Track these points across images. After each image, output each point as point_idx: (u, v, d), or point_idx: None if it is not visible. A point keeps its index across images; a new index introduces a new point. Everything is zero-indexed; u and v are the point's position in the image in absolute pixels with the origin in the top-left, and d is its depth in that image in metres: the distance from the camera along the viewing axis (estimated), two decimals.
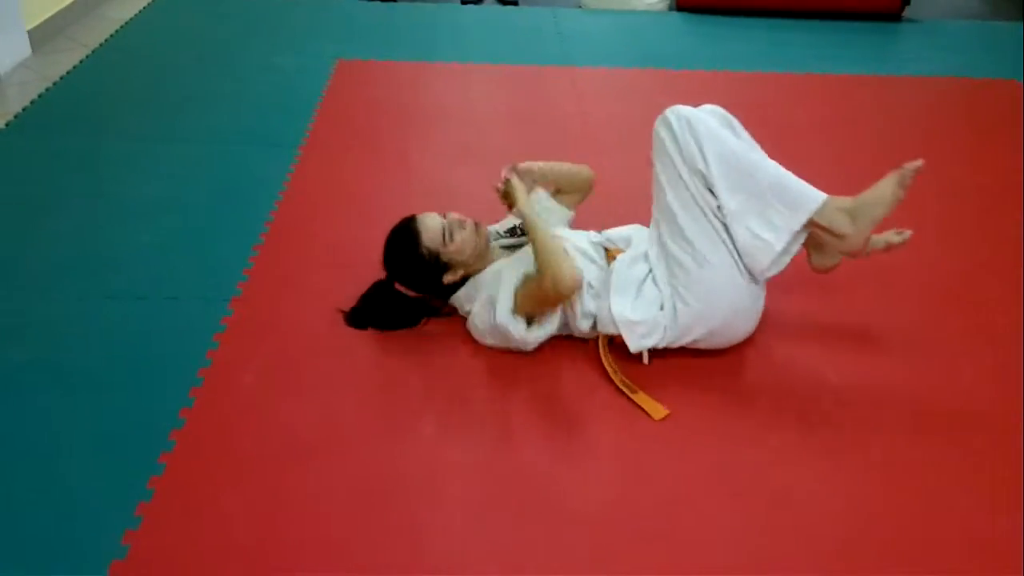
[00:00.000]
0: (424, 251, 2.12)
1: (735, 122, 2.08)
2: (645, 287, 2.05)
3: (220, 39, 4.25)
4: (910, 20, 4.87)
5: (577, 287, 1.97)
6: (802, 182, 1.96)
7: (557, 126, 3.41)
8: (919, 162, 1.95)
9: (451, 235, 2.12)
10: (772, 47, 4.37)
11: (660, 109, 2.06)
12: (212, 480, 1.78)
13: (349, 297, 2.25)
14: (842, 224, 1.95)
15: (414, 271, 2.16)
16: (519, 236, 2.25)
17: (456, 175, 3.00)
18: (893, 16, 4.85)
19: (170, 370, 2.06)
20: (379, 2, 4.90)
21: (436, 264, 2.13)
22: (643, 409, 1.96)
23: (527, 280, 2.04)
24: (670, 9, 4.95)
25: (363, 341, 2.17)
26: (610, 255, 2.13)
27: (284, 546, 1.66)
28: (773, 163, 1.99)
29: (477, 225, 2.16)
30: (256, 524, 1.70)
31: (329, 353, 2.13)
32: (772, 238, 1.92)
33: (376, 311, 2.20)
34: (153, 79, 3.76)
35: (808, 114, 3.62)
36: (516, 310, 2.03)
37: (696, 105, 2.07)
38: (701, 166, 1.93)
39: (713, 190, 1.94)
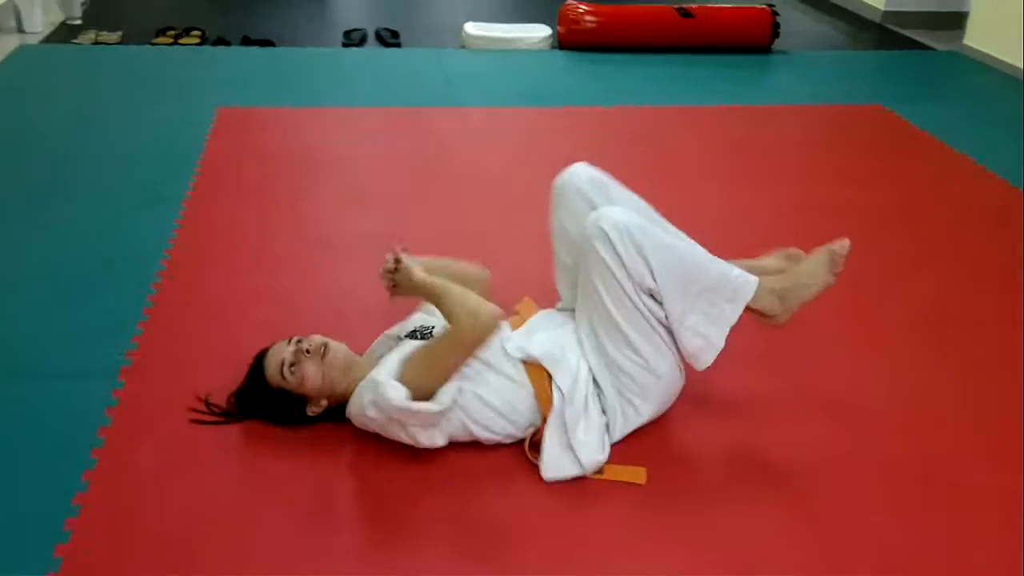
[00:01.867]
0: (271, 390, 1.93)
1: (643, 204, 2.05)
2: (589, 406, 1.91)
3: (93, 92, 4.07)
4: (779, 52, 5.09)
5: (499, 320, 1.91)
6: (733, 269, 1.92)
7: (449, 171, 3.39)
8: (847, 243, 1.98)
9: (290, 370, 1.89)
10: (652, 82, 4.50)
11: (555, 154, 2.08)
12: (114, 570, 1.65)
13: (250, 356, 2.15)
14: (772, 307, 1.94)
15: (270, 412, 1.98)
16: (421, 339, 2.01)
17: (349, 222, 2.93)
18: (763, 49, 5.06)
19: (60, 453, 1.91)
20: (258, 48, 4.81)
21: (292, 400, 1.93)
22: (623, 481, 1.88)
23: (419, 349, 1.89)
24: (552, 47, 5.03)
25: None
26: (531, 368, 1.92)
27: None
28: (704, 253, 1.93)
29: (325, 349, 1.91)
30: None
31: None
32: (714, 333, 1.89)
33: (262, 404, 1.98)
34: (22, 136, 3.56)
35: (693, 144, 3.73)
36: (400, 377, 1.82)
37: (579, 159, 2.09)
38: (650, 283, 1.84)
39: (661, 302, 1.87)
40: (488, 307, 1.88)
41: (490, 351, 1.92)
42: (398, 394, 1.77)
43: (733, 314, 1.90)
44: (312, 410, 1.95)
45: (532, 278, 2.39)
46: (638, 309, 1.86)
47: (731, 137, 3.82)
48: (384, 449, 1.90)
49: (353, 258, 2.68)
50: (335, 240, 2.81)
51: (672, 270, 1.85)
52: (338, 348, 1.95)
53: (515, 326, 2.06)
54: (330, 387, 1.93)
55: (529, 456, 1.91)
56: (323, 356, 1.91)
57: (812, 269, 1.98)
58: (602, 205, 1.97)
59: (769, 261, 2.14)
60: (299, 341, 1.92)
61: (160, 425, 2.01)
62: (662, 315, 1.88)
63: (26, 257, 2.68)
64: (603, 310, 1.89)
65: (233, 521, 1.77)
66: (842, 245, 1.99)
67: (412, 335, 2.03)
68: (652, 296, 1.87)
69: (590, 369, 1.93)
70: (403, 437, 1.84)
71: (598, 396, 1.94)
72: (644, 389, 1.93)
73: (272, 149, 3.48)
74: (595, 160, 2.13)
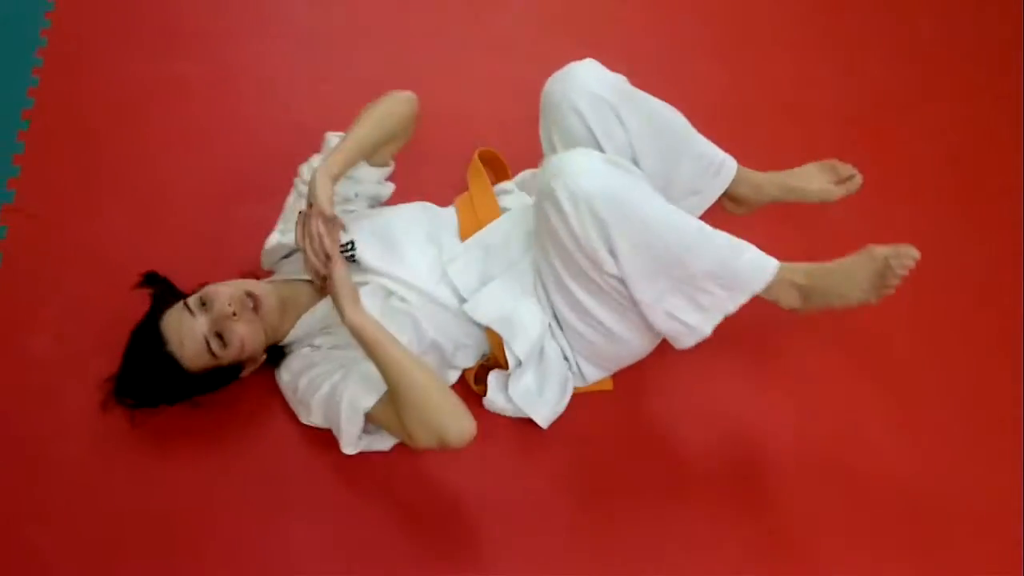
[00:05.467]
0: (194, 376, 1.51)
1: (665, 121, 1.65)
2: (549, 362, 1.63)
3: None
4: None
5: (469, 441, 1.43)
6: (743, 251, 1.48)
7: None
8: (913, 252, 1.45)
9: (219, 343, 1.48)
10: None
11: None
12: None
13: None
14: (791, 301, 1.54)
15: (190, 392, 1.56)
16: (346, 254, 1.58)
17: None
18: None
19: None
20: None
21: (220, 374, 1.54)
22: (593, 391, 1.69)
23: (383, 402, 1.52)
24: None
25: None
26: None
27: None
28: (698, 230, 1.47)
29: (255, 300, 1.51)
30: None
31: None
32: (699, 321, 1.51)
33: (179, 390, 1.56)
34: None
35: None
36: (371, 410, 1.51)
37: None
38: (611, 269, 1.44)
39: (624, 282, 1.47)
40: (456, 424, 1.41)
41: (438, 295, 1.59)
42: (352, 428, 1.53)
43: (730, 303, 1.50)
44: (250, 370, 1.59)
45: (490, 110, 2.02)
46: (598, 285, 1.49)
47: None
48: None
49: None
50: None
51: (645, 254, 1.42)
52: (265, 290, 1.54)
53: (464, 224, 1.67)
54: (272, 337, 1.58)
55: (473, 387, 1.68)
56: (255, 310, 1.52)
57: (853, 274, 1.50)
58: (594, 128, 1.61)
59: (806, 171, 1.74)
60: (206, 305, 1.48)
61: None
62: (625, 292, 1.49)
63: None
64: (555, 274, 1.54)
65: None
66: (905, 253, 1.46)
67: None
68: (613, 277, 1.47)
69: (551, 324, 1.62)
70: (304, 419, 1.60)
71: (558, 345, 1.64)
72: (601, 354, 1.64)
73: None
74: None
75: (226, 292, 1.50)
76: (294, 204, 1.70)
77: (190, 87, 2.13)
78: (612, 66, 1.70)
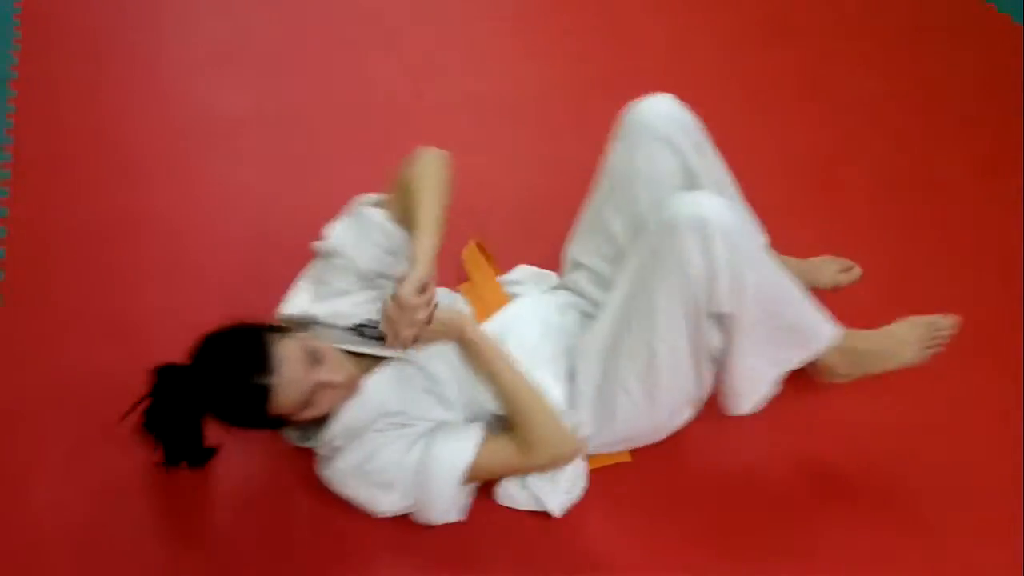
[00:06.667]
0: (269, 415, 1.39)
1: (728, 179, 1.67)
2: None
3: None
4: None
5: (580, 451, 1.51)
6: (815, 307, 1.55)
7: (334, 7, 2.82)
8: (954, 320, 1.59)
9: (312, 402, 1.40)
10: None
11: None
12: None
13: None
14: (836, 366, 1.61)
15: (244, 423, 1.45)
16: (371, 336, 1.49)
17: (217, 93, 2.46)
18: None
19: None
20: None
21: (278, 422, 1.44)
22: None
23: (497, 440, 1.49)
24: None
25: None
26: None
27: None
28: (791, 285, 1.52)
29: (350, 384, 1.45)
30: None
31: None
32: (768, 379, 1.57)
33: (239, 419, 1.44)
34: None
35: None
36: (474, 459, 1.46)
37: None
38: (728, 308, 1.43)
39: (727, 330, 1.48)
40: (564, 435, 1.48)
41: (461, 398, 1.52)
42: (457, 500, 1.49)
43: (796, 360, 1.56)
44: (289, 429, 1.52)
45: (476, 183, 1.81)
46: (687, 333, 1.45)
47: None
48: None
49: (237, 150, 2.30)
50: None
51: (765, 297, 1.44)
52: (358, 376, 1.48)
53: (478, 315, 1.59)
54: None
55: None
56: (347, 384, 1.44)
57: (902, 337, 1.60)
58: (694, 165, 1.58)
59: (814, 264, 1.86)
60: (319, 362, 1.39)
61: None
62: (714, 344, 1.49)
63: None
64: (646, 323, 1.45)
65: None
66: (947, 322, 1.60)
67: (361, 329, 1.50)
68: (715, 320, 1.46)
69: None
70: (362, 499, 1.50)
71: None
72: (632, 416, 1.56)
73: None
74: None
75: (337, 361, 1.43)
76: (323, 268, 1.59)
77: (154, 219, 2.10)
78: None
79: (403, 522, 1.52)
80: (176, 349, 1.42)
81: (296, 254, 1.63)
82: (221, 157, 2.30)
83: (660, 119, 1.58)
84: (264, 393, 1.34)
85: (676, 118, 1.59)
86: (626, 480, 1.63)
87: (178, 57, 2.63)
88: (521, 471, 1.51)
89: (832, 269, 1.85)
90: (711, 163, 1.64)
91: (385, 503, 1.48)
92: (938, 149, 2.41)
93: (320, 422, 1.48)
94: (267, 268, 1.82)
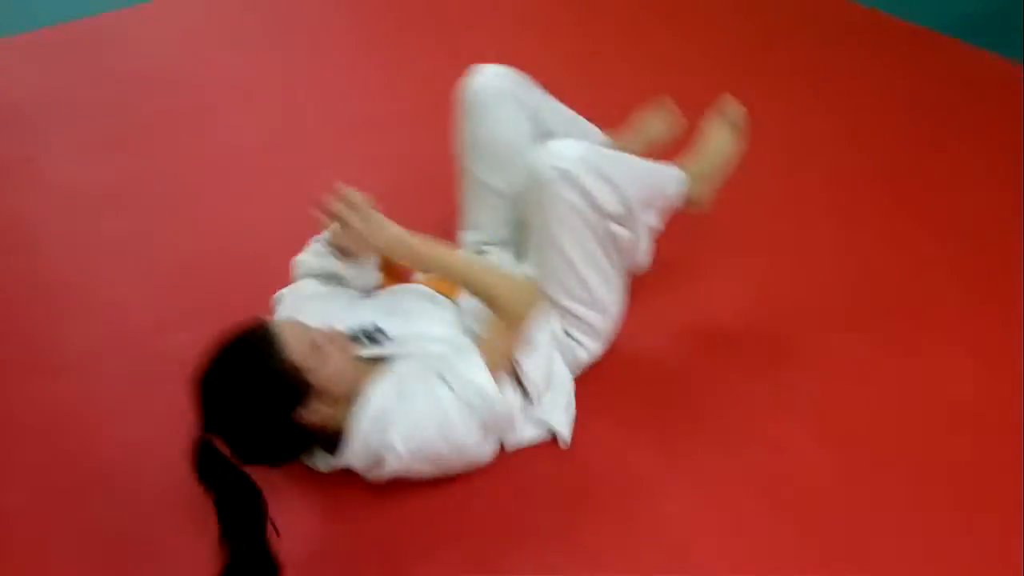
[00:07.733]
0: (284, 368, 1.40)
1: (569, 112, 1.95)
2: (555, 374, 1.70)
3: None
4: None
5: (540, 293, 1.65)
6: (662, 167, 1.82)
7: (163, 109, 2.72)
8: (739, 108, 1.92)
9: (315, 351, 1.43)
10: None
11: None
12: None
13: None
14: (704, 193, 1.89)
15: (261, 401, 1.41)
16: (374, 342, 1.57)
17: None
18: None
19: None
20: None
21: (294, 391, 1.42)
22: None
23: (487, 332, 1.57)
24: None
25: None
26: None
27: None
28: (641, 161, 1.76)
29: (342, 341, 1.51)
30: None
31: None
32: (657, 224, 1.79)
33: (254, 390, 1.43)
34: None
35: None
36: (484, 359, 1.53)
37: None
38: (616, 208, 1.63)
39: (625, 223, 1.66)
40: (526, 284, 1.64)
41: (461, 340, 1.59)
42: (513, 401, 1.57)
43: (672, 204, 1.83)
44: (306, 416, 1.43)
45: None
46: (600, 243, 1.66)
47: None
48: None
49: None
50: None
51: (635, 183, 1.67)
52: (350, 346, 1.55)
53: (440, 289, 1.71)
54: (344, 389, 1.47)
55: None
56: (343, 349, 1.50)
57: (721, 145, 1.91)
58: (537, 109, 1.82)
59: (645, 124, 2.06)
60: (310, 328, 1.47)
61: None
62: (624, 235, 1.67)
63: None
64: (562, 258, 1.65)
65: None
66: (735, 112, 1.93)
67: (358, 337, 1.56)
68: (615, 220, 1.65)
69: (552, 332, 1.70)
70: (446, 453, 1.52)
71: (559, 350, 1.72)
72: (594, 330, 1.75)
73: None
74: None
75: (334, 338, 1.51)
76: (292, 308, 1.67)
77: None
78: None
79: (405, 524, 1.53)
80: None
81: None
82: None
83: (496, 81, 1.79)
84: (271, 339, 1.40)
85: (508, 76, 1.80)
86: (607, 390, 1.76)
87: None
88: (519, 336, 1.57)
89: (658, 123, 2.05)
90: (552, 105, 1.89)
91: (469, 440, 1.51)
92: (938, 149, 2.45)
93: (335, 446, 1.50)
94: None
